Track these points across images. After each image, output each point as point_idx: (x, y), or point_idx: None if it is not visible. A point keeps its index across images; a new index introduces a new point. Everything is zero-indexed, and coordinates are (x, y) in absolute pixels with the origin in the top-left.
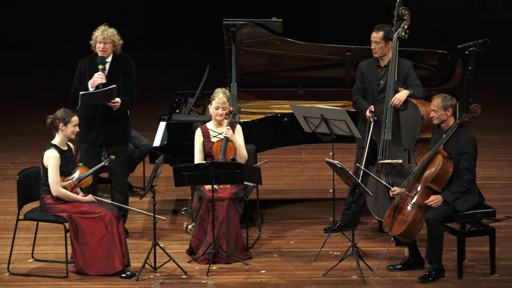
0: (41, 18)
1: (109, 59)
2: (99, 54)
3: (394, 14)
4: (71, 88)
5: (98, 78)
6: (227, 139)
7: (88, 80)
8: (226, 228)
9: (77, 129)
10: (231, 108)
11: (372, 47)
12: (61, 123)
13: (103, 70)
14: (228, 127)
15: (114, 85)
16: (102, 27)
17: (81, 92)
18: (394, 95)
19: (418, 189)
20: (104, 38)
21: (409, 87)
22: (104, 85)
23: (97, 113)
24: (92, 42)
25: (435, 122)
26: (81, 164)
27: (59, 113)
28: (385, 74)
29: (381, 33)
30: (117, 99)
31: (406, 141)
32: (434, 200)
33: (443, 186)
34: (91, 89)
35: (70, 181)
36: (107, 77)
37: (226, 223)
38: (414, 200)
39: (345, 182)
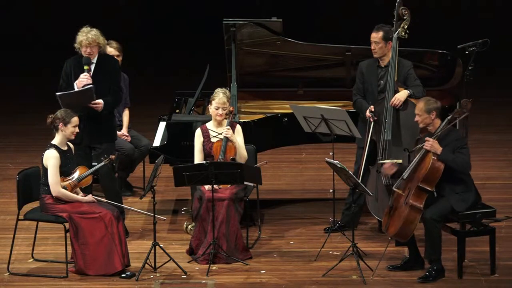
0: (41, 18)
1: (94, 59)
2: (91, 57)
3: (394, 14)
4: (58, 88)
5: (84, 78)
6: (227, 139)
7: (74, 81)
8: (226, 228)
9: (76, 129)
10: (231, 108)
11: (372, 47)
12: (61, 123)
13: (89, 70)
14: (228, 127)
15: (91, 85)
16: (85, 30)
17: (57, 93)
18: (394, 95)
19: (411, 189)
20: (89, 43)
21: (409, 87)
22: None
23: (81, 113)
24: (76, 45)
25: (420, 126)
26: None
27: (59, 113)
28: (385, 74)
29: (380, 33)
30: (99, 101)
31: (406, 141)
32: (429, 142)
33: (435, 184)
34: (76, 90)
35: (70, 181)
36: (92, 77)
37: (226, 223)
38: (406, 200)
39: (345, 182)
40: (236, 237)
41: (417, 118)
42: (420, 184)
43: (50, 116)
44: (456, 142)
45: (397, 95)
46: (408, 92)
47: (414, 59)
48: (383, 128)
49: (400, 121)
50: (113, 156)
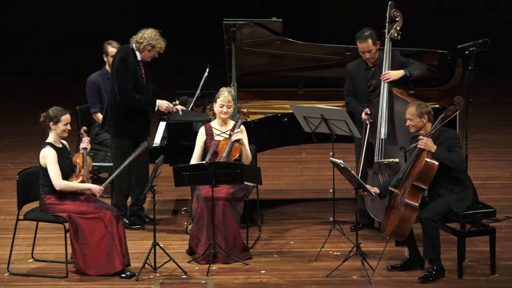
0: (41, 19)
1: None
2: (148, 60)
3: (386, 16)
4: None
5: (167, 109)
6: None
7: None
8: (224, 228)
9: (68, 127)
10: (245, 110)
11: (367, 56)
12: (51, 122)
13: (175, 105)
14: (239, 129)
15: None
16: (159, 35)
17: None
18: (387, 96)
19: (406, 187)
20: (163, 50)
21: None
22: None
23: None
24: (149, 43)
25: (412, 130)
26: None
27: (51, 111)
28: (375, 73)
29: (369, 40)
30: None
31: (401, 139)
32: (423, 140)
33: (429, 183)
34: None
35: (81, 175)
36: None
37: (223, 223)
38: (402, 199)
39: (350, 182)
40: (234, 237)
41: (408, 123)
42: (415, 182)
43: (43, 114)
44: (451, 140)
45: (391, 72)
46: (404, 72)
47: (414, 59)
48: (378, 128)
49: (395, 120)
50: (84, 128)
